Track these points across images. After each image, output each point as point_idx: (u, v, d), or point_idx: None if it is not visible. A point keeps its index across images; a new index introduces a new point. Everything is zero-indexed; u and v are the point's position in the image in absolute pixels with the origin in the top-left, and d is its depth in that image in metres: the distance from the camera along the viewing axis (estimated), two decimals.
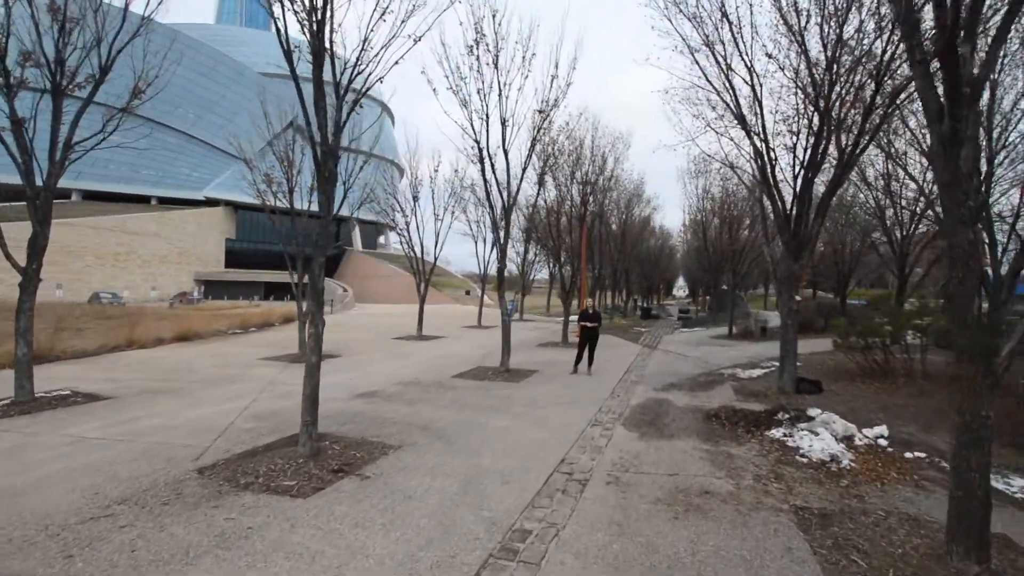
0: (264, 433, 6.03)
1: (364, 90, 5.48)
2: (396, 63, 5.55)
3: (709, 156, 10.62)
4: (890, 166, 15.80)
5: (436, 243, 18.53)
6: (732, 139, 9.59)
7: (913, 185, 15.38)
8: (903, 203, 16.30)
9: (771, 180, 8.36)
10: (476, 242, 21.77)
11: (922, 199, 14.74)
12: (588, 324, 10.31)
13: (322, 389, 8.84)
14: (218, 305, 39.90)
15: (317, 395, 5.20)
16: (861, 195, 18.52)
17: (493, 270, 15.29)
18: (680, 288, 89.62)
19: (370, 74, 5.43)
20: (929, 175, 13.84)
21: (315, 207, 14.17)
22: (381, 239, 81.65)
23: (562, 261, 19.22)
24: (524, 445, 5.63)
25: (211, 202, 62.30)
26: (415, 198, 18.12)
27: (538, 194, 11.92)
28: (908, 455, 5.39)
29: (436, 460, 5.11)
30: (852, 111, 7.77)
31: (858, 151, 7.67)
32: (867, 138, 7.85)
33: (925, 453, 5.45)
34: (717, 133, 9.47)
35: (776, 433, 6.08)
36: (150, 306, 36.70)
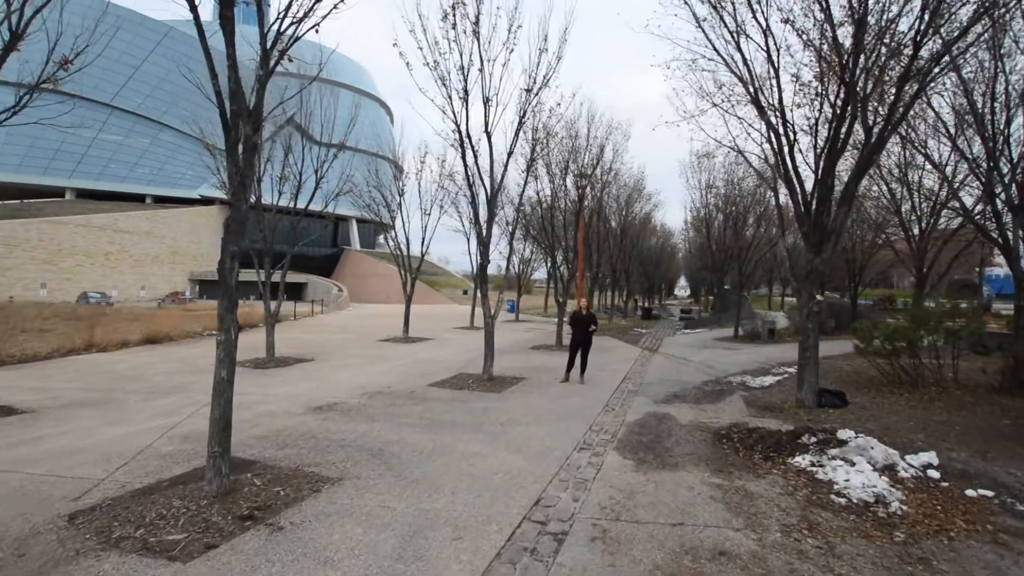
0: (181, 460, 4.99)
1: (292, 40, 4.44)
2: (335, 7, 4.51)
3: (716, 141, 9.55)
4: (908, 154, 14.69)
5: (423, 240, 17.44)
6: (741, 119, 8.53)
7: (934, 175, 14.31)
8: (923, 193, 15.16)
9: (790, 163, 7.29)
10: (468, 240, 20.65)
11: (945, 188, 13.62)
12: (580, 327, 9.24)
13: (278, 400, 7.86)
14: (208, 305, 38.89)
15: (229, 418, 4.15)
16: (875, 187, 17.37)
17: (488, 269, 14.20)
18: (682, 288, 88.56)
19: (304, 19, 4.39)
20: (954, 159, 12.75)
21: (289, 201, 13.21)
22: (380, 238, 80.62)
23: (558, 261, 18.16)
24: (493, 478, 4.58)
25: (206, 200, 61.32)
26: (400, 192, 17.08)
27: (526, 182, 10.89)
28: (970, 493, 4.31)
29: (378, 500, 4.06)
30: (884, 82, 6.69)
31: (890, 127, 6.59)
32: (900, 113, 6.77)
33: (991, 490, 4.37)
34: (724, 111, 8.41)
35: (802, 461, 5.01)
36: (139, 306, 35.78)
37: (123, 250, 52.02)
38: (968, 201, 13.12)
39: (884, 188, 16.57)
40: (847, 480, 4.46)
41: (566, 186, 16.23)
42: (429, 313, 32.96)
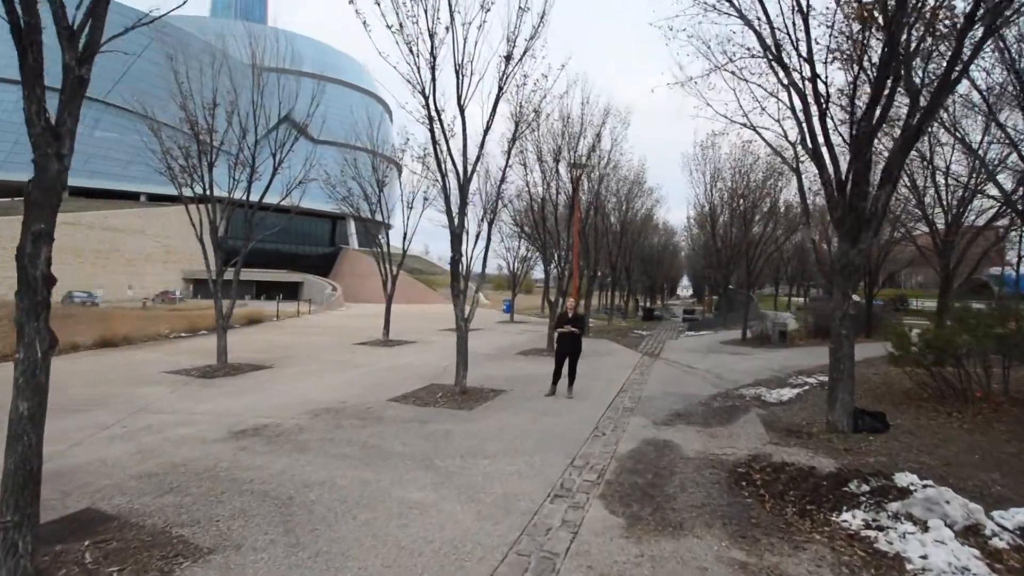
0: None
1: None
2: None
3: (726, 117, 8.24)
4: (932, 137, 13.32)
5: (404, 235, 16.18)
6: (760, 86, 7.22)
7: (963, 161, 12.98)
8: (951, 179, 13.78)
9: (820, 134, 5.99)
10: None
11: (977, 172, 12.26)
12: (567, 331, 7.93)
13: (200, 420, 6.45)
14: (197, 305, 37.80)
15: (33, 471, 2.87)
16: None
17: (479, 267, 13.01)
18: (684, 288, 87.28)
19: None
20: (986, 140, 11.42)
21: (256, 193, 12.07)
22: (381, 237, 79.35)
23: (553, 259, 16.84)
24: (425, 549, 3.29)
25: (202, 199, 60.16)
26: (380, 184, 15.81)
27: (507, 164, 9.54)
28: None
29: None
30: (938, 26, 5.38)
31: (952, 81, 5.28)
32: (959, 70, 5.46)
33: None
34: (736, 77, 7.11)
35: (852, 520, 3.70)
36: (124, 306, 34.74)
37: (114, 249, 51.00)
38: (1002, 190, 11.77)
39: (905, 177, 15.22)
40: (925, 558, 3.15)
41: (558, 173, 14.89)
42: (423, 313, 31.73)
